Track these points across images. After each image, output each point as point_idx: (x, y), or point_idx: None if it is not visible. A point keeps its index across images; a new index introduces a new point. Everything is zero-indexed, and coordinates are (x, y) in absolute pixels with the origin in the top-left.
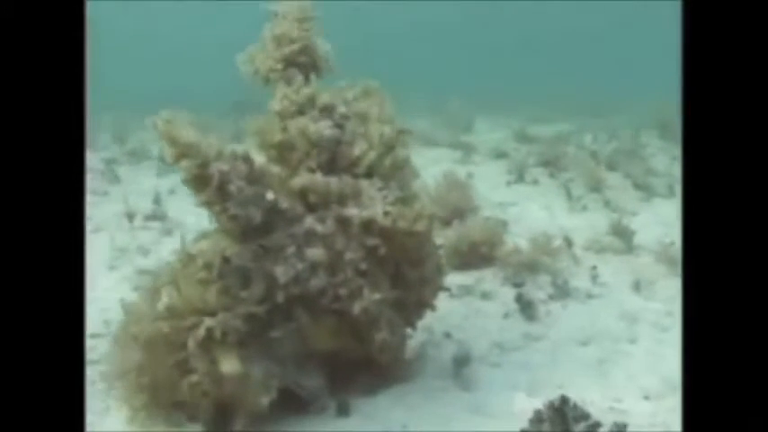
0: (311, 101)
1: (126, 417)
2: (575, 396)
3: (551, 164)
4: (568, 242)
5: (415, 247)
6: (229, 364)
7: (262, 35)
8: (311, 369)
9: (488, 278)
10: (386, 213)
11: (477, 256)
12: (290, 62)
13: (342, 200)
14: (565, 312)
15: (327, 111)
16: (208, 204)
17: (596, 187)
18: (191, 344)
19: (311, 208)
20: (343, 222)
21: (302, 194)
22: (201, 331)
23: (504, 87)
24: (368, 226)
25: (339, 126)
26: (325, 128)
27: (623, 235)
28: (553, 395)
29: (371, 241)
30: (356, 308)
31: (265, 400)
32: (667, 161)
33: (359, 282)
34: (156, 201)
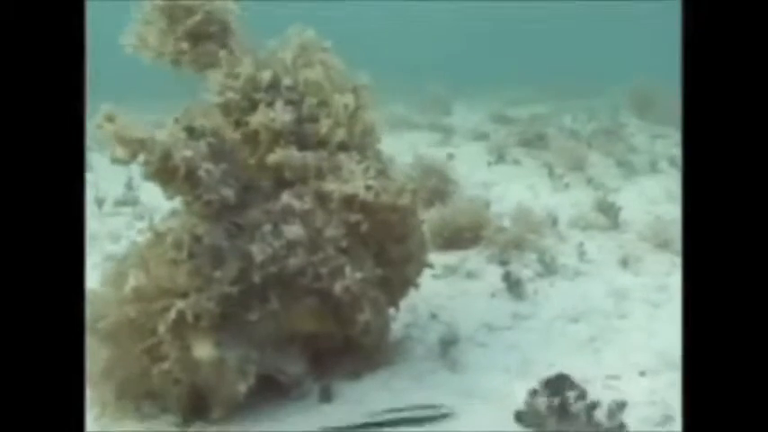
0: (252, 82)
1: (95, 414)
2: (573, 374)
3: (531, 144)
4: (553, 220)
5: (398, 223)
6: (203, 349)
7: (139, 9)
8: (291, 353)
9: (473, 257)
10: (368, 188)
11: (460, 235)
12: (197, 37)
13: (320, 174)
14: (553, 290)
15: (274, 89)
16: (178, 194)
17: (578, 166)
18: (161, 328)
19: (288, 184)
20: (323, 198)
21: (278, 170)
22: (172, 314)
23: (480, 71)
24: (349, 201)
25: (293, 103)
26: (284, 114)
27: (608, 212)
28: (546, 375)
29: (353, 217)
30: (337, 288)
31: (243, 387)
32: (647, 139)
33: (340, 260)
34: (128, 186)
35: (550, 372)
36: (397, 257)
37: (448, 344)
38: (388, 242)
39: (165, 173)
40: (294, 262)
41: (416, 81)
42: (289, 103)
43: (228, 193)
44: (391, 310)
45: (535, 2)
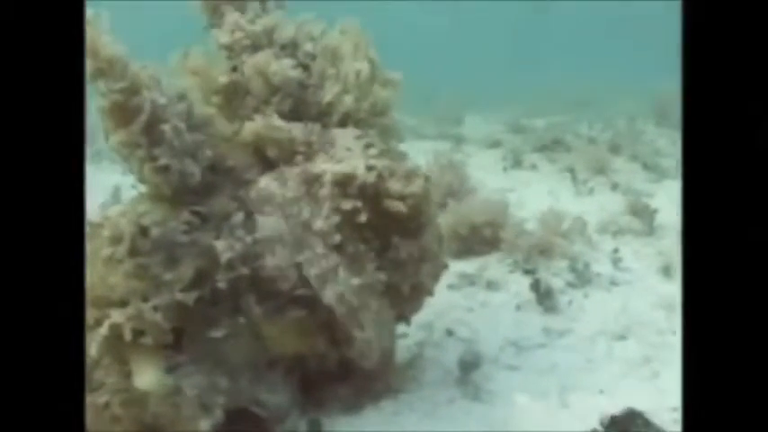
0: (269, 34)
1: None
2: (624, 404)
3: (549, 149)
4: (581, 224)
5: (408, 213)
6: (146, 377)
7: None
8: (271, 380)
9: (493, 265)
10: (369, 168)
11: (478, 240)
12: None
13: (309, 152)
14: (588, 302)
15: (290, 48)
16: (127, 148)
17: (601, 170)
18: (91, 348)
19: (268, 165)
20: (311, 181)
21: (256, 146)
22: (104, 329)
23: (491, 85)
24: (344, 185)
25: (304, 66)
26: (287, 67)
27: (643, 215)
28: (595, 404)
29: (348, 204)
30: (328, 295)
31: (205, 425)
32: (670, 143)
33: (332, 260)
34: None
35: (600, 401)
36: (407, 258)
37: (469, 366)
38: (395, 238)
39: (123, 111)
40: (272, 262)
41: (426, 93)
42: (300, 65)
43: (193, 168)
44: (399, 326)
45: (544, 14)
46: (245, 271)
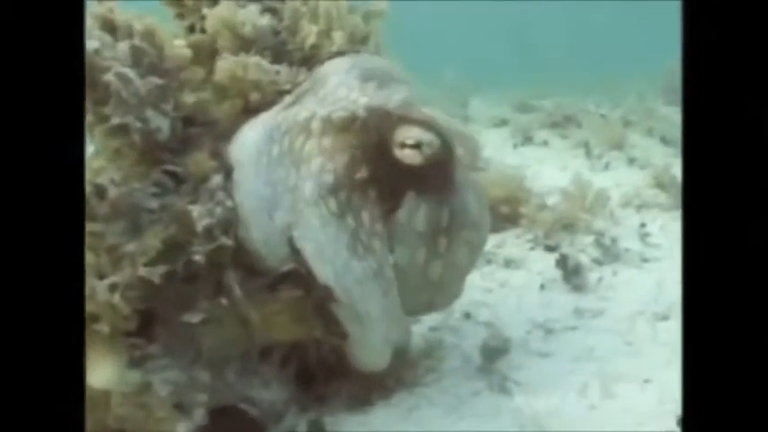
0: None
1: None
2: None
3: (560, 126)
4: (605, 197)
5: (424, 163)
6: (103, 372)
7: None
8: (264, 373)
9: (511, 241)
10: (369, 108)
11: (494, 215)
12: None
13: (297, 94)
14: (618, 280)
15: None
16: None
17: (617, 145)
18: None
19: (251, 113)
20: (298, 131)
21: (234, 92)
22: None
23: (494, 68)
24: (340, 130)
25: (272, 11)
26: (255, 14)
27: (669, 189)
28: (642, 395)
29: (344, 156)
30: (327, 271)
31: (183, 429)
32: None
33: (328, 233)
34: None
35: (648, 392)
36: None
37: (493, 353)
38: (409, 194)
39: None
40: (255, 235)
41: (431, 74)
42: (267, 10)
43: (159, 122)
44: None
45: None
46: (226, 241)
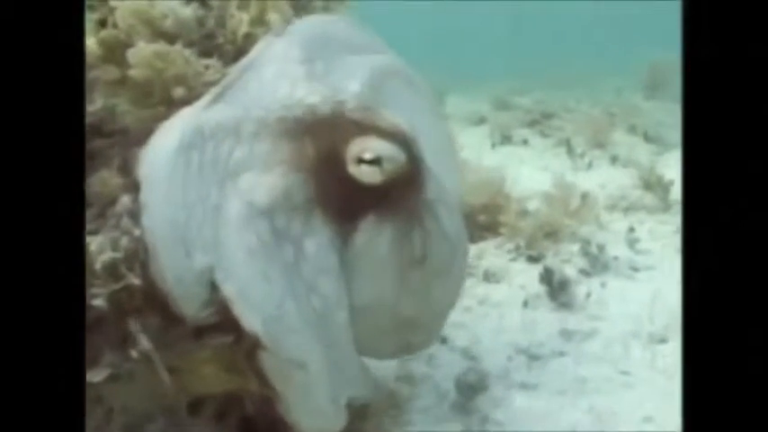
0: None
1: None
2: None
3: (539, 123)
4: (591, 200)
5: (385, 185)
6: None
7: None
8: (197, 430)
9: (490, 251)
10: (313, 91)
11: (471, 224)
12: None
13: (224, 87)
14: (608, 293)
15: None
16: None
17: (600, 143)
18: None
19: (169, 115)
20: (227, 136)
21: (151, 90)
22: None
23: (471, 64)
24: (279, 135)
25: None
26: (176, 6)
27: (656, 189)
28: None
29: (284, 169)
30: (250, 323)
31: None
32: (669, 114)
33: (254, 266)
34: None
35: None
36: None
37: (471, 390)
38: (369, 217)
39: None
40: (165, 267)
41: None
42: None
43: None
44: None
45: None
46: (134, 280)
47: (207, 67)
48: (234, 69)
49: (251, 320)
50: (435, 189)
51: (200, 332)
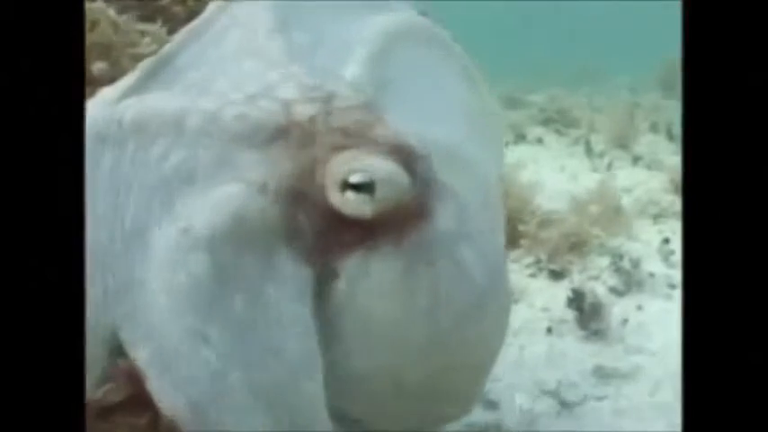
0: None
1: None
2: None
3: (555, 121)
4: (616, 206)
5: (377, 218)
6: None
7: None
8: None
9: (508, 267)
10: (291, 106)
11: None
12: None
13: (159, 61)
14: (646, 318)
15: None
16: None
17: (620, 142)
18: None
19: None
20: (160, 131)
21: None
22: None
23: (482, 60)
24: (235, 139)
25: None
26: None
27: None
28: None
29: (239, 185)
30: (171, 405)
31: None
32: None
33: (180, 326)
34: None
35: None
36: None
37: None
38: (355, 253)
39: None
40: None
41: None
42: None
43: None
44: None
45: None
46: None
47: (143, 35)
48: (176, 38)
49: (172, 400)
50: (454, 216)
51: (106, 411)
